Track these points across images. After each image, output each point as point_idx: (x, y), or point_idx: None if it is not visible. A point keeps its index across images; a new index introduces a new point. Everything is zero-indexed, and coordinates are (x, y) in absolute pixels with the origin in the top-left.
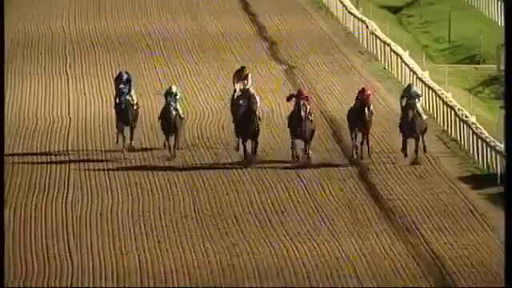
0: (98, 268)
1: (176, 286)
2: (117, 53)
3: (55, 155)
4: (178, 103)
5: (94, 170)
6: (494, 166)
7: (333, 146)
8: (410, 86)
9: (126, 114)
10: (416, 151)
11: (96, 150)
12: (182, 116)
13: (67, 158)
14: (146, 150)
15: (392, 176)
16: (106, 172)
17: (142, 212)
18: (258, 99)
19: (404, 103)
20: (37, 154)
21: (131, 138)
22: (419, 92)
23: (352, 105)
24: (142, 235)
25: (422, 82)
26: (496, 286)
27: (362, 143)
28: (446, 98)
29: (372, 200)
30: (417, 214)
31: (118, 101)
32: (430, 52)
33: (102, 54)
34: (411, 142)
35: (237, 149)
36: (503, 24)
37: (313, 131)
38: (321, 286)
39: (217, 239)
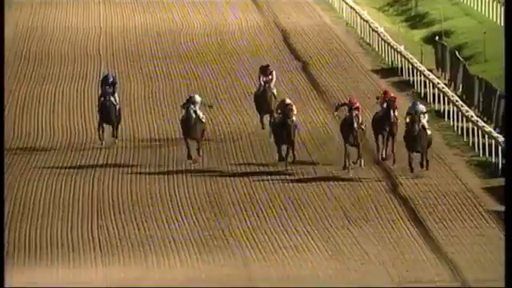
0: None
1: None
2: None
3: (91, 54)
4: (199, 110)
5: (120, 59)
6: (396, 62)
7: (284, 48)
8: (414, 104)
9: (108, 114)
10: (422, 164)
11: (119, 50)
12: (204, 121)
13: (99, 56)
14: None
15: (327, 70)
16: (127, 64)
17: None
18: (294, 108)
19: (409, 119)
20: (75, 54)
21: (115, 136)
22: (425, 110)
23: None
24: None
25: (346, 3)
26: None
27: (387, 145)
28: (363, 14)
29: (312, 87)
30: (341, 95)
31: (102, 100)
32: None
33: None
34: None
35: (279, 158)
36: (503, 24)
37: (362, 140)
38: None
39: None
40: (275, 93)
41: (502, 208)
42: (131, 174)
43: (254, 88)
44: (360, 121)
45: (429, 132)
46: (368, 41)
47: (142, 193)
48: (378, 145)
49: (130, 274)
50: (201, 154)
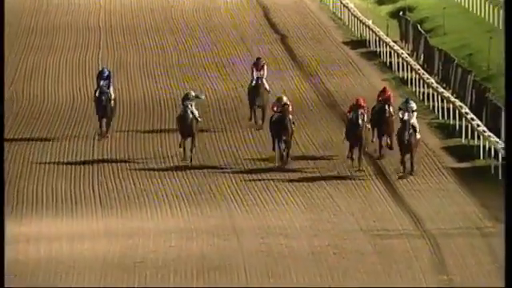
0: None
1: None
2: None
3: (91, 27)
4: (194, 107)
5: (118, 32)
6: (365, 34)
7: (264, 22)
8: (407, 100)
9: (104, 108)
10: (412, 165)
11: (117, 23)
12: (199, 119)
13: (99, 28)
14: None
15: (303, 42)
16: (124, 36)
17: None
18: (290, 107)
19: (401, 119)
20: (78, 27)
21: (108, 127)
22: (415, 107)
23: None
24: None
25: None
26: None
27: (381, 140)
28: None
29: (289, 57)
30: (315, 64)
31: (97, 95)
32: None
33: None
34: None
35: (273, 148)
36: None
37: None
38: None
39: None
40: (267, 87)
41: (459, 165)
42: (128, 136)
43: (238, 58)
44: (365, 120)
45: (418, 136)
46: (339, 16)
47: (138, 152)
48: (373, 137)
49: (127, 224)
50: (194, 151)
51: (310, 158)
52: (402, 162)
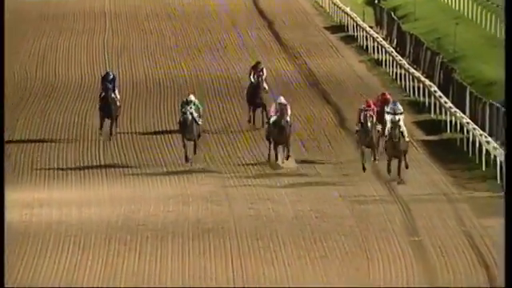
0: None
1: None
2: None
3: (98, 13)
4: (194, 110)
5: (121, 18)
6: (343, 20)
7: (253, 9)
8: (395, 103)
9: (109, 109)
10: (398, 171)
11: (121, 10)
12: (200, 122)
13: (104, 15)
14: None
15: (288, 27)
16: (126, 21)
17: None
18: (288, 109)
19: (389, 122)
20: (85, 13)
21: (116, 127)
22: (401, 110)
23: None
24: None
25: None
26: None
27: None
28: None
29: (276, 41)
30: (300, 47)
31: (102, 95)
32: None
33: None
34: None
35: (269, 158)
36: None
37: (379, 138)
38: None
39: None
40: (266, 87)
41: (428, 138)
42: (130, 114)
43: (229, 42)
44: (374, 121)
45: (407, 139)
46: (321, 3)
47: (140, 128)
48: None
49: (130, 192)
50: (196, 153)
51: (295, 132)
52: (389, 168)
